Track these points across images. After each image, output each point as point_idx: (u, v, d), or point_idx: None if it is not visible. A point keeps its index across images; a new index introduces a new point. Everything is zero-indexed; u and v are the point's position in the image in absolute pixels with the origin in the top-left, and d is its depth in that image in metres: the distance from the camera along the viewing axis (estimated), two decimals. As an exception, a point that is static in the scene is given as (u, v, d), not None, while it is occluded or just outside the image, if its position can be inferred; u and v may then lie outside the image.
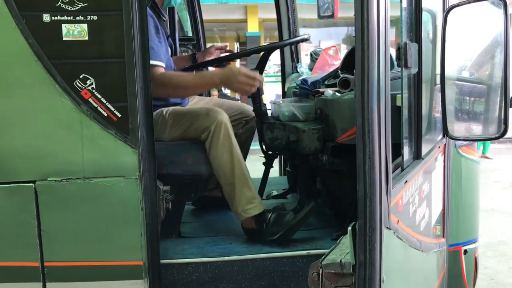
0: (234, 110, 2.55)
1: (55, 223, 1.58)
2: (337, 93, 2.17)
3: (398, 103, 1.73)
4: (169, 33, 2.51)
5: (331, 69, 2.75)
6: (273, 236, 2.09)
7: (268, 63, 2.46)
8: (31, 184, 1.56)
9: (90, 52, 1.53)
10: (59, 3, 1.49)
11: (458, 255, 2.37)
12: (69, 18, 1.50)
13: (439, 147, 2.09)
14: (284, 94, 3.25)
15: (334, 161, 2.14)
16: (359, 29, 1.28)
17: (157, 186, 1.69)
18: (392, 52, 1.73)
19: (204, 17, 3.80)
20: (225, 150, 2.10)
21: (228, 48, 2.91)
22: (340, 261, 1.41)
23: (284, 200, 2.78)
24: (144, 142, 1.58)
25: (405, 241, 1.60)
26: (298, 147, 2.18)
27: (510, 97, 1.78)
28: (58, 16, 1.49)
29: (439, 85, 1.91)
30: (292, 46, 3.26)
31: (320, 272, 1.42)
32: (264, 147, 2.45)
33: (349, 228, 1.40)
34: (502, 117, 1.80)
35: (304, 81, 2.50)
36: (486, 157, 8.74)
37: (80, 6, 1.49)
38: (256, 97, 2.34)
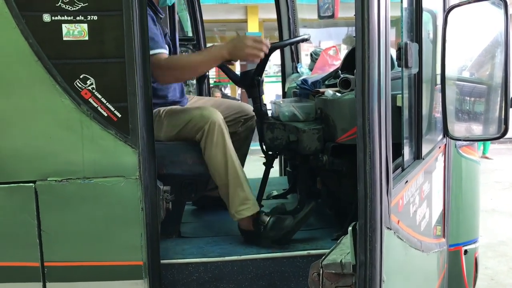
0: (233, 109, 2.55)
1: (55, 223, 1.58)
2: (337, 93, 2.16)
3: (399, 103, 1.73)
4: (168, 32, 2.50)
5: (331, 69, 2.75)
6: (271, 239, 2.09)
7: (268, 63, 2.46)
8: (31, 184, 1.55)
9: (90, 52, 1.53)
10: (59, 3, 1.49)
11: (458, 255, 2.37)
12: (69, 18, 1.50)
13: (440, 147, 2.09)
14: (284, 94, 3.25)
15: (334, 161, 2.14)
16: (359, 29, 1.28)
17: (157, 186, 1.69)
18: (393, 52, 1.73)
19: (204, 17, 3.80)
20: (219, 150, 2.09)
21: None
22: (341, 261, 1.41)
23: (284, 200, 2.78)
24: (144, 142, 1.58)
25: (406, 241, 1.60)
26: (299, 147, 2.18)
27: (510, 97, 1.77)
28: (59, 16, 1.49)
29: (440, 85, 1.90)
30: (292, 46, 3.26)
31: (321, 272, 1.42)
32: (264, 147, 2.45)
33: (350, 228, 1.39)
34: (503, 117, 1.80)
35: (305, 81, 2.50)
36: (487, 158, 8.74)
37: (80, 6, 1.49)
38: (256, 97, 2.34)
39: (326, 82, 2.53)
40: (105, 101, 1.54)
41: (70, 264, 1.61)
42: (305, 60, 3.59)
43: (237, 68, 11.09)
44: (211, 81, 9.46)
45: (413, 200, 1.70)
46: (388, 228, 1.40)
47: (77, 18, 1.50)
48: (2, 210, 1.57)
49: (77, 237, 1.60)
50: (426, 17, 1.86)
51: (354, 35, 1.32)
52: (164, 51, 2.12)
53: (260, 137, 2.40)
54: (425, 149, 1.80)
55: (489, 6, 1.84)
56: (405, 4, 1.65)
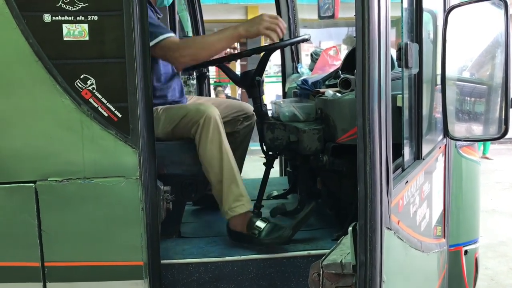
0: (233, 109, 2.55)
1: (56, 223, 1.58)
2: (337, 94, 2.16)
3: (399, 104, 1.73)
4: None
5: (332, 70, 2.75)
6: (265, 246, 2.04)
7: (269, 63, 2.46)
8: (31, 184, 1.56)
9: (91, 52, 1.53)
10: (60, 3, 1.49)
11: (458, 256, 2.37)
12: (69, 18, 1.50)
13: (440, 147, 2.09)
14: (285, 95, 3.25)
15: (334, 162, 2.14)
16: (359, 30, 1.28)
17: (157, 186, 1.69)
18: (393, 52, 1.73)
19: (205, 17, 3.80)
20: (214, 145, 2.05)
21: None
22: (341, 261, 1.41)
23: (285, 201, 2.78)
24: (144, 142, 1.58)
25: (406, 241, 1.60)
26: (299, 148, 2.18)
27: (510, 97, 1.77)
28: (59, 16, 1.50)
29: (440, 86, 1.90)
30: (293, 47, 3.26)
31: (321, 272, 1.42)
32: (264, 147, 2.45)
33: (350, 228, 1.39)
34: (503, 117, 1.80)
35: (305, 81, 2.50)
36: (487, 158, 8.74)
37: (80, 6, 1.50)
38: (256, 97, 2.34)
39: (327, 82, 2.53)
40: (105, 101, 1.54)
41: (70, 264, 1.61)
42: (305, 60, 3.59)
43: (237, 68, 11.10)
44: (211, 81, 9.44)
45: (413, 200, 1.70)
46: (388, 228, 1.40)
47: (78, 18, 1.50)
48: (3, 210, 1.57)
49: (78, 237, 1.60)
50: (426, 17, 1.86)
51: (354, 35, 1.32)
52: (174, 35, 2.11)
53: (261, 137, 2.40)
54: (425, 149, 1.80)
55: (490, 6, 1.84)
56: (405, 4, 1.65)
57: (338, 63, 2.84)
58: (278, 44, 2.24)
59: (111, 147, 1.56)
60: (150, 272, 1.62)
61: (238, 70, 9.87)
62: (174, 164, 2.11)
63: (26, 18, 1.49)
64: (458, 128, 1.99)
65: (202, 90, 3.52)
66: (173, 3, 3.30)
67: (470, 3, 1.85)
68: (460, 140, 2.15)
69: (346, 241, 1.48)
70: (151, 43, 1.97)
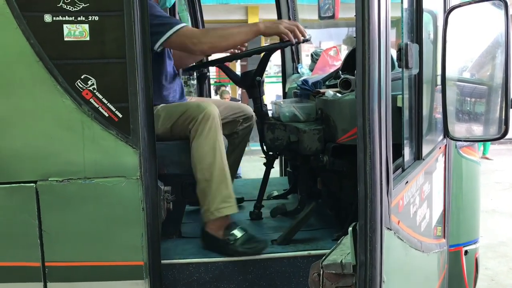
0: (233, 110, 2.55)
1: (56, 223, 1.58)
2: (338, 94, 2.17)
3: (399, 104, 1.73)
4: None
5: (332, 70, 2.75)
6: (238, 254, 1.99)
7: (269, 63, 2.46)
8: (32, 184, 1.56)
9: (92, 53, 1.53)
10: (61, 3, 1.49)
11: (458, 256, 2.37)
12: (70, 18, 1.50)
13: (440, 147, 2.09)
14: (285, 95, 3.26)
15: (334, 162, 2.14)
16: (360, 30, 1.28)
17: (158, 187, 1.69)
18: (393, 53, 1.74)
19: (205, 17, 3.81)
20: (209, 142, 2.02)
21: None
22: (341, 261, 1.41)
23: (285, 201, 2.78)
24: (145, 142, 1.58)
25: (406, 241, 1.60)
26: (299, 148, 2.18)
27: (510, 98, 1.78)
28: (60, 16, 1.50)
29: (440, 86, 1.90)
30: (293, 47, 3.27)
31: (321, 272, 1.42)
32: (265, 147, 2.45)
33: (350, 228, 1.40)
34: (503, 117, 1.80)
35: (305, 81, 2.51)
36: (487, 158, 8.75)
37: (81, 6, 1.50)
38: (257, 97, 2.34)
39: (327, 83, 2.54)
40: (106, 102, 1.55)
41: (71, 264, 1.61)
42: (305, 60, 3.59)
43: (237, 68, 11.10)
44: (212, 81, 9.44)
45: (413, 200, 1.70)
46: (388, 228, 1.40)
47: (78, 18, 1.50)
48: (3, 210, 1.57)
49: (78, 237, 1.60)
50: (426, 18, 1.86)
51: (354, 35, 1.32)
52: (186, 24, 2.12)
53: (261, 138, 2.41)
54: (425, 149, 1.80)
55: (490, 7, 1.84)
56: (405, 5, 1.66)
57: (338, 64, 2.85)
58: (279, 44, 2.24)
59: (111, 147, 1.56)
60: (151, 272, 1.63)
61: (238, 71, 9.87)
62: (174, 164, 2.11)
63: (27, 18, 1.49)
64: (458, 129, 1.99)
65: (202, 90, 3.53)
66: (173, 4, 3.31)
67: (470, 3, 1.85)
68: (460, 141, 2.15)
69: (346, 241, 1.48)
70: (171, 32, 2.02)
